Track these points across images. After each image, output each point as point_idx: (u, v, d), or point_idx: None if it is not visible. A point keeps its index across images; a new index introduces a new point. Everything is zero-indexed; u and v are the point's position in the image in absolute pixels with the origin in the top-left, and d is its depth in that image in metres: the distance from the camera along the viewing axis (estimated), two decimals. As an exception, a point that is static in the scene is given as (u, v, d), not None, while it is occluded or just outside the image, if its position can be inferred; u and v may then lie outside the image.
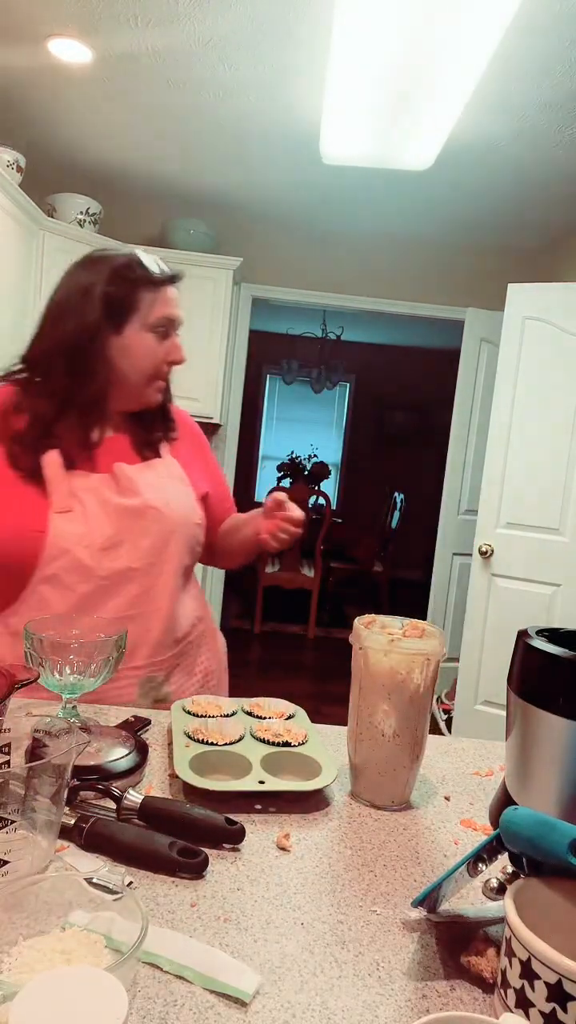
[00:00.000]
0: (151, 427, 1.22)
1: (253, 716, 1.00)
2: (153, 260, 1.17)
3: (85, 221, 3.49)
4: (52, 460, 1.10)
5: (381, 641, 0.83)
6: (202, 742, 0.89)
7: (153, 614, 1.13)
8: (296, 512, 1.18)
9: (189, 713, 0.98)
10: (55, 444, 1.11)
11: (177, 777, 0.82)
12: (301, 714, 1.02)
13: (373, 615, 0.92)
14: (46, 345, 1.14)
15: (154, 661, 1.14)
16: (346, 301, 4.14)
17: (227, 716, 0.98)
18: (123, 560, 1.10)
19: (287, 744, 0.91)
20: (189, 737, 0.90)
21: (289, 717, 1.01)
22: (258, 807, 0.81)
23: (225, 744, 0.89)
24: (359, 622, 0.88)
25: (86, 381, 1.12)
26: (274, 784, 0.82)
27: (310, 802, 0.83)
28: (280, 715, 1.01)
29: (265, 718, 0.99)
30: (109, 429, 1.19)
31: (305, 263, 4.07)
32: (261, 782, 0.81)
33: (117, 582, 1.10)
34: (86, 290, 1.12)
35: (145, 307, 1.13)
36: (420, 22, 1.96)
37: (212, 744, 0.89)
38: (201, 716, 0.97)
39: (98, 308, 1.11)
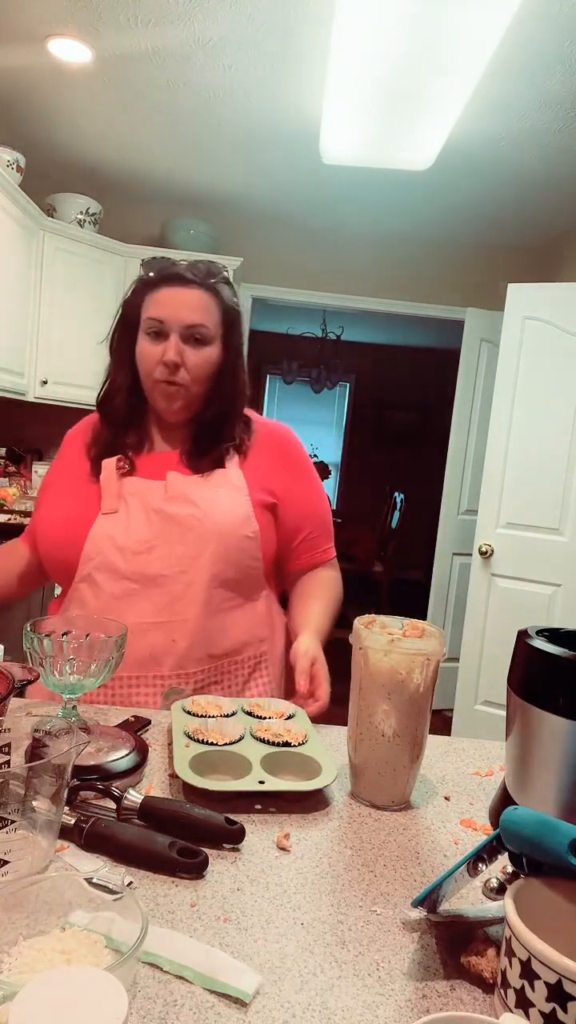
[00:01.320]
0: (216, 438, 1.19)
1: (253, 716, 1.00)
2: (160, 263, 1.17)
3: (85, 221, 3.49)
4: (108, 465, 1.16)
5: (381, 641, 0.83)
6: (202, 742, 0.89)
7: (179, 625, 1.10)
8: (317, 706, 1.04)
9: (189, 713, 0.98)
10: (121, 452, 1.18)
11: (177, 777, 0.82)
12: (301, 714, 1.02)
13: (373, 615, 0.92)
14: (110, 361, 1.23)
15: (181, 673, 1.11)
16: (346, 301, 4.14)
17: (227, 716, 0.98)
18: (154, 566, 1.10)
19: (287, 744, 0.91)
20: (189, 737, 0.90)
21: (289, 717, 1.01)
22: (258, 807, 0.81)
23: (225, 744, 0.89)
24: (359, 622, 0.88)
25: (120, 390, 1.21)
26: (274, 784, 0.81)
27: (310, 802, 0.83)
28: (280, 715, 1.01)
29: (265, 718, 0.99)
30: (172, 440, 1.22)
31: (305, 263, 4.07)
32: (261, 782, 0.81)
33: (146, 587, 1.10)
34: (122, 304, 1.21)
35: (144, 311, 1.16)
36: (420, 22, 1.96)
37: (212, 744, 0.89)
38: (201, 716, 0.97)
39: (117, 319, 1.20)
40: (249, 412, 1.27)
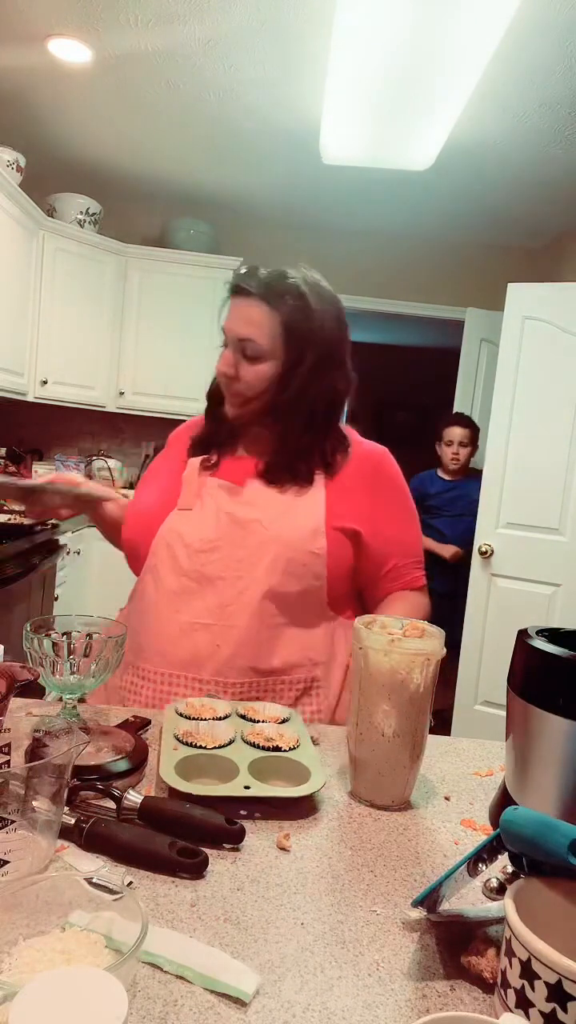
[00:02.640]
0: (297, 453, 1.16)
1: (247, 719, 0.97)
2: (240, 269, 1.15)
3: (85, 221, 3.49)
4: (192, 463, 1.20)
5: (381, 641, 0.83)
6: (192, 745, 0.87)
7: (226, 630, 1.08)
8: None
9: (182, 716, 0.96)
10: (214, 451, 1.21)
11: (176, 777, 0.81)
12: (296, 718, 0.99)
13: (373, 615, 0.92)
14: None
15: (220, 681, 1.08)
16: (346, 301, 4.11)
17: (220, 719, 0.96)
18: (213, 566, 1.10)
19: (277, 749, 0.89)
20: (179, 740, 0.88)
21: (283, 721, 0.98)
22: (243, 812, 0.79)
23: (214, 748, 0.87)
24: (359, 622, 0.88)
25: (216, 391, 1.23)
26: (259, 790, 0.79)
27: (297, 809, 0.82)
28: (274, 719, 0.98)
29: (259, 721, 0.97)
30: (253, 447, 1.20)
31: (305, 263, 4.06)
32: (246, 787, 0.79)
33: (202, 586, 1.10)
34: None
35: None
36: (420, 22, 1.96)
37: (201, 748, 0.87)
38: (194, 719, 0.95)
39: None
40: (349, 431, 1.23)
